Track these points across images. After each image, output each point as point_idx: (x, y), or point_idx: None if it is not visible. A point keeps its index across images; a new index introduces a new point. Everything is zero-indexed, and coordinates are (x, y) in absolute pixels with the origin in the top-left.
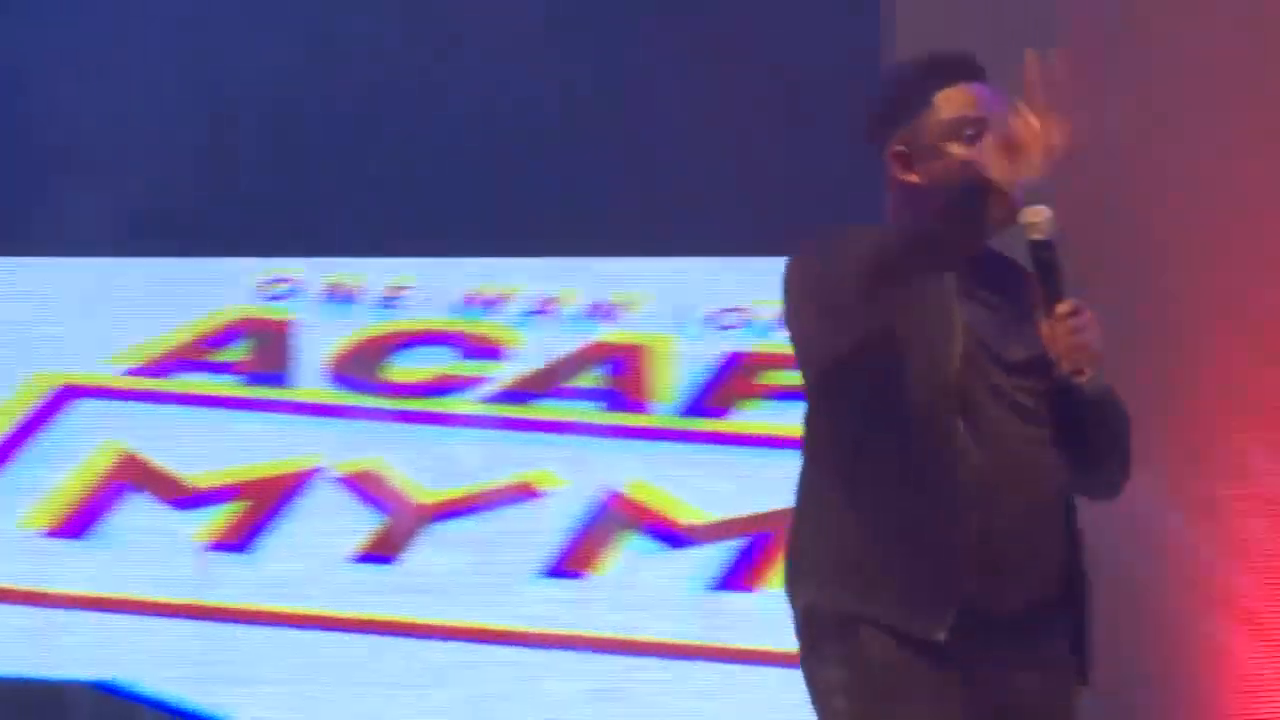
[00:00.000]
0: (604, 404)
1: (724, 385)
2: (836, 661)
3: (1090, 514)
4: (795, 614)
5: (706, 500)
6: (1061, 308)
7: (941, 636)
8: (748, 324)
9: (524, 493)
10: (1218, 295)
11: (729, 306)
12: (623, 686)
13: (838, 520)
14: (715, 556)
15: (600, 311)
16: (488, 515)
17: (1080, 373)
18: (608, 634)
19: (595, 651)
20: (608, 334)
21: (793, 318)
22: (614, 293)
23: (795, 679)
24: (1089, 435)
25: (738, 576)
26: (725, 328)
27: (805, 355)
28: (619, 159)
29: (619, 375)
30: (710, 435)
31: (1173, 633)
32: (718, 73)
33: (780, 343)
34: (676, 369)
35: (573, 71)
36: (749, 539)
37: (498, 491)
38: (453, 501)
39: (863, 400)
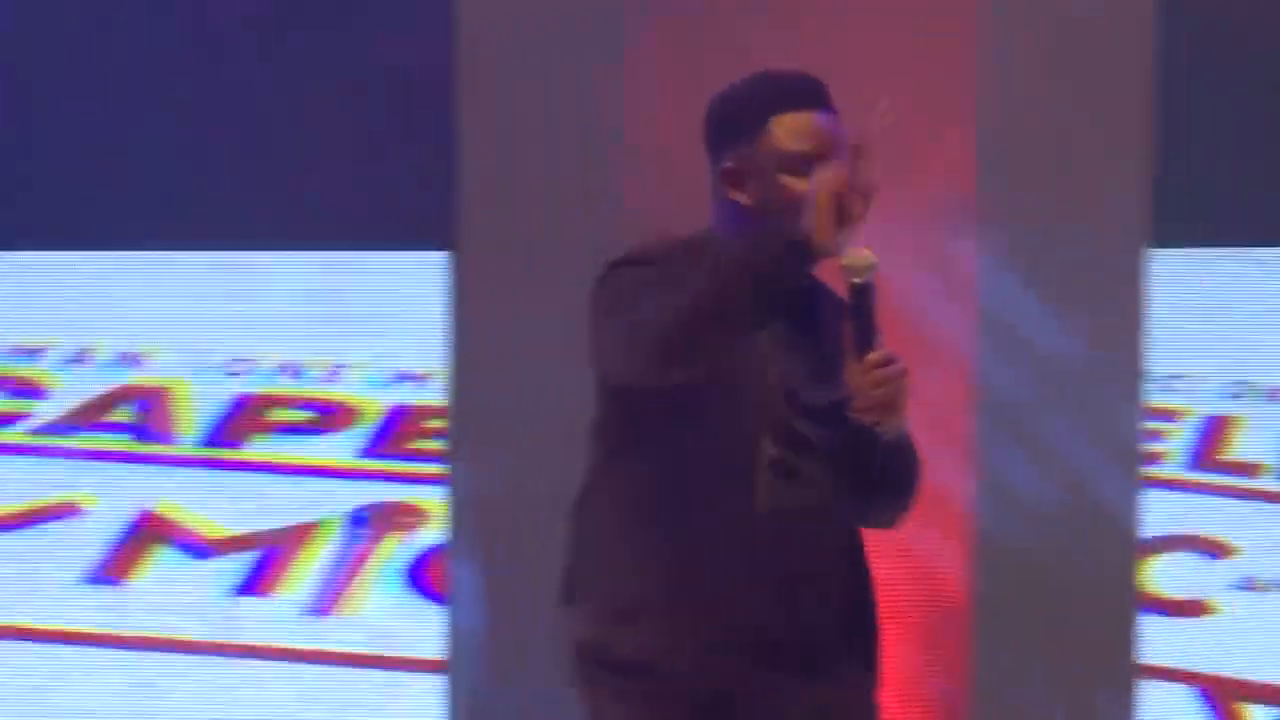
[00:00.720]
0: (132, 436)
1: (236, 421)
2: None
3: None
4: (571, 644)
5: (226, 518)
6: (873, 357)
7: (715, 682)
8: (253, 370)
9: (66, 511)
10: None
11: (238, 356)
12: (156, 681)
13: (617, 552)
14: (234, 567)
15: (128, 359)
16: (33, 531)
17: (876, 422)
18: (142, 634)
19: (132, 649)
20: (135, 377)
21: (594, 336)
22: (140, 344)
23: (300, 671)
24: (877, 474)
25: (254, 584)
26: (235, 374)
27: (603, 372)
28: None
29: (146, 412)
30: (227, 463)
31: None
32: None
33: (282, 385)
34: (195, 407)
35: None
36: (263, 551)
37: (43, 509)
38: (3, 518)
39: (657, 429)
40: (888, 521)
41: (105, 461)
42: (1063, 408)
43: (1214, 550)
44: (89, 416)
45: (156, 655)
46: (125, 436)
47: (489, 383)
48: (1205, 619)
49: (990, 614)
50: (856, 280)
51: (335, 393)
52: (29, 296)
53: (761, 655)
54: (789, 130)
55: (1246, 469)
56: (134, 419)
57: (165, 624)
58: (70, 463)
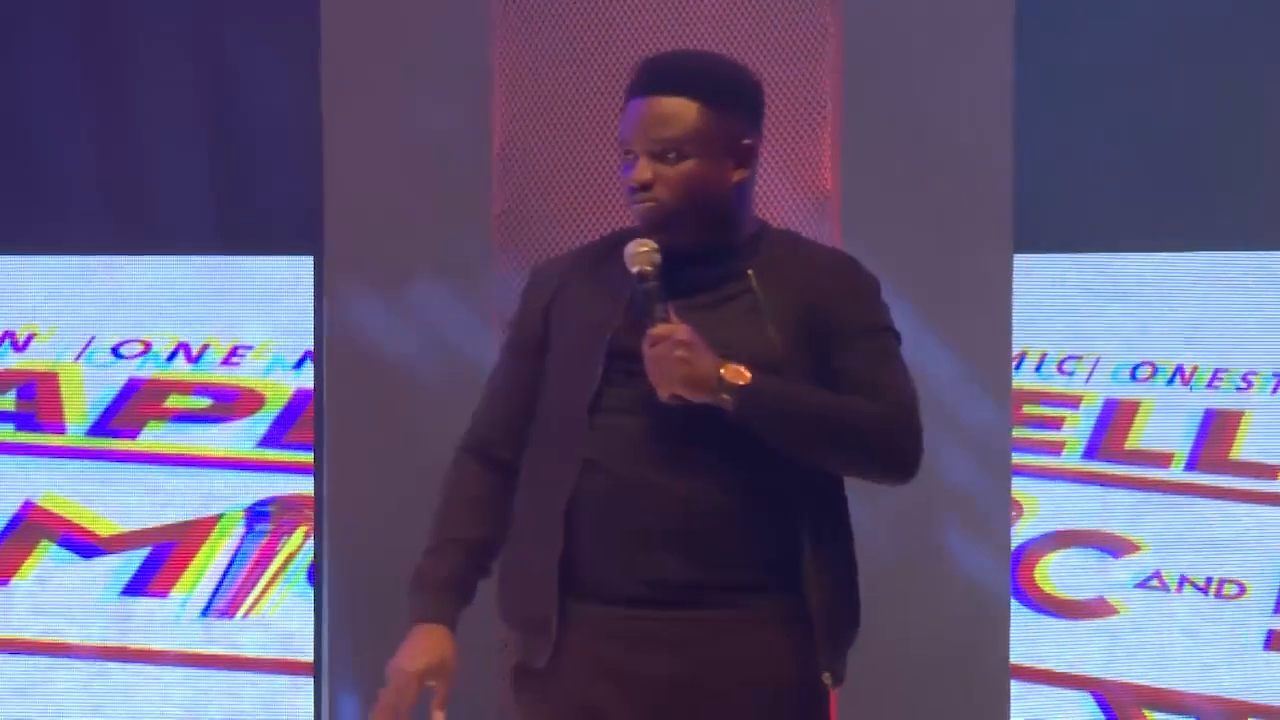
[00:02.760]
0: (14, 425)
1: (130, 408)
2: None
3: None
4: None
5: (116, 513)
6: (652, 332)
7: (542, 662)
8: (147, 353)
9: None
10: None
11: (129, 338)
12: (40, 686)
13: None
14: (125, 564)
15: (10, 341)
16: None
17: (676, 398)
18: (27, 636)
19: (15, 653)
20: (17, 362)
21: None
22: (24, 324)
23: (199, 677)
24: (782, 446)
25: (145, 583)
26: (128, 356)
27: None
28: None
29: (30, 399)
30: (117, 454)
31: None
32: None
33: (180, 370)
34: (85, 393)
35: None
36: (157, 549)
37: None
38: None
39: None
40: (882, 479)
41: None
42: (929, 412)
43: (1115, 547)
44: None
45: (40, 660)
46: (6, 425)
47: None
48: (1105, 620)
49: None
50: (636, 269)
51: (236, 377)
52: None
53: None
54: (624, 115)
55: (1154, 458)
56: (16, 406)
57: (50, 627)
58: None
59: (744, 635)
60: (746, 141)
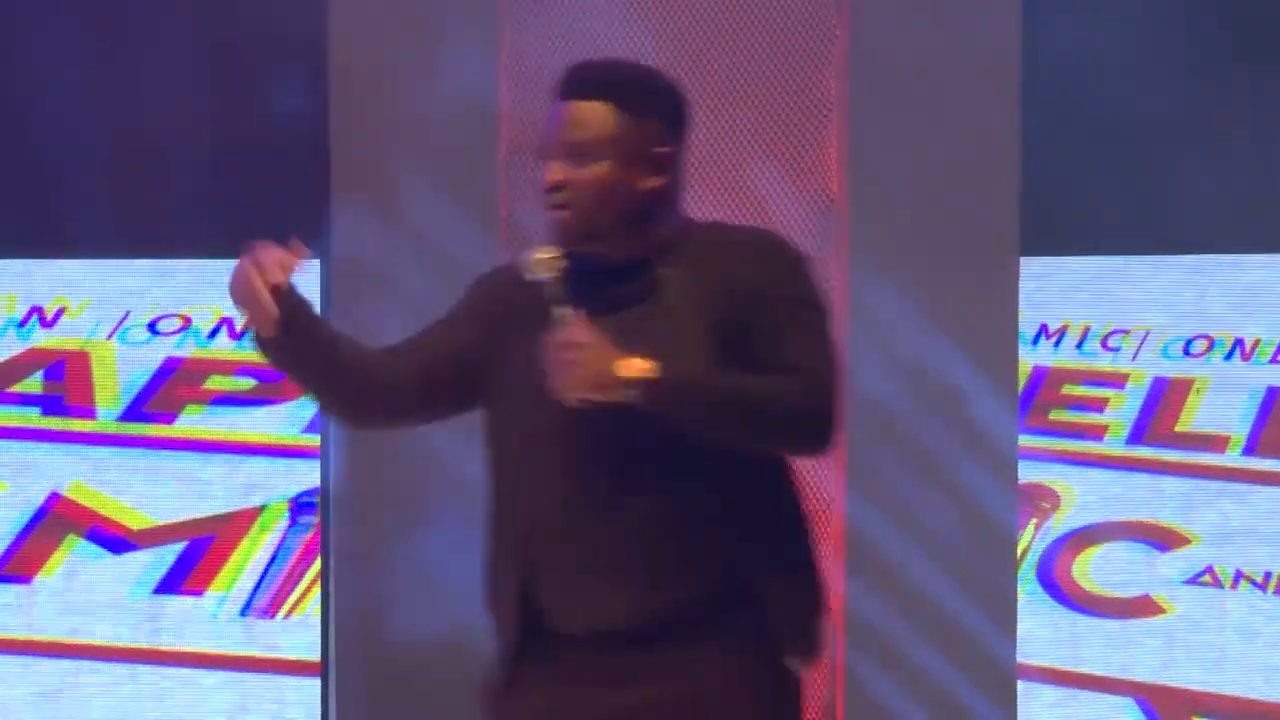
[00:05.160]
0: (40, 409)
1: (167, 390)
2: None
3: None
4: None
5: (149, 504)
6: (549, 338)
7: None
8: (187, 329)
9: None
10: None
11: (169, 312)
12: (67, 690)
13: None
14: (158, 560)
15: (39, 316)
16: None
17: (586, 401)
18: (52, 638)
19: (40, 655)
20: (46, 339)
21: None
22: (54, 297)
23: (236, 680)
24: (707, 432)
25: (179, 580)
26: (165, 333)
27: None
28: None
29: (58, 381)
30: (152, 440)
31: None
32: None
33: (222, 348)
34: (118, 374)
35: None
36: (192, 542)
37: None
38: None
39: (485, 441)
40: (799, 452)
41: (10, 440)
42: (937, 414)
43: (1163, 540)
44: None
45: (68, 662)
46: (32, 410)
47: None
48: (1152, 620)
49: (862, 618)
50: (534, 275)
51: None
52: None
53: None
54: (545, 117)
55: (1208, 442)
56: (44, 388)
57: (77, 627)
58: None
59: (700, 666)
60: (663, 149)
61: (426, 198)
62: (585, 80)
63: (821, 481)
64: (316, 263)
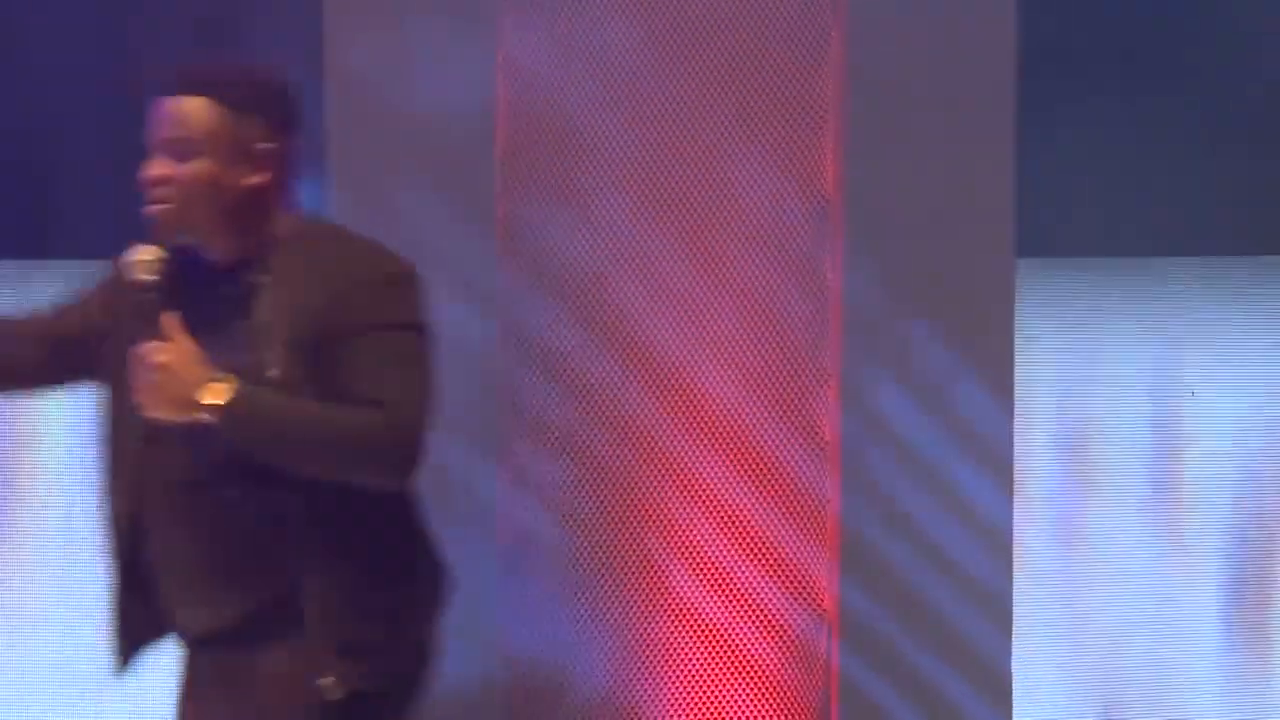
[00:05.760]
0: None
1: None
2: None
3: None
4: None
5: None
6: (136, 350)
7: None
8: None
9: None
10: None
11: None
12: None
13: None
14: None
15: None
16: None
17: (165, 420)
18: None
19: None
20: None
21: None
22: None
23: None
24: (275, 459)
25: None
26: None
27: None
28: None
29: None
30: None
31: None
32: None
33: None
34: None
35: None
36: None
37: None
38: None
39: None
40: (375, 485)
41: None
42: (933, 415)
43: None
44: None
45: None
46: None
47: None
48: None
49: (857, 619)
50: (136, 277)
51: None
52: None
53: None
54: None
55: None
56: None
57: None
58: None
59: (243, 675)
60: (266, 146)
61: (422, 197)
62: (187, 78)
63: (816, 482)
64: None
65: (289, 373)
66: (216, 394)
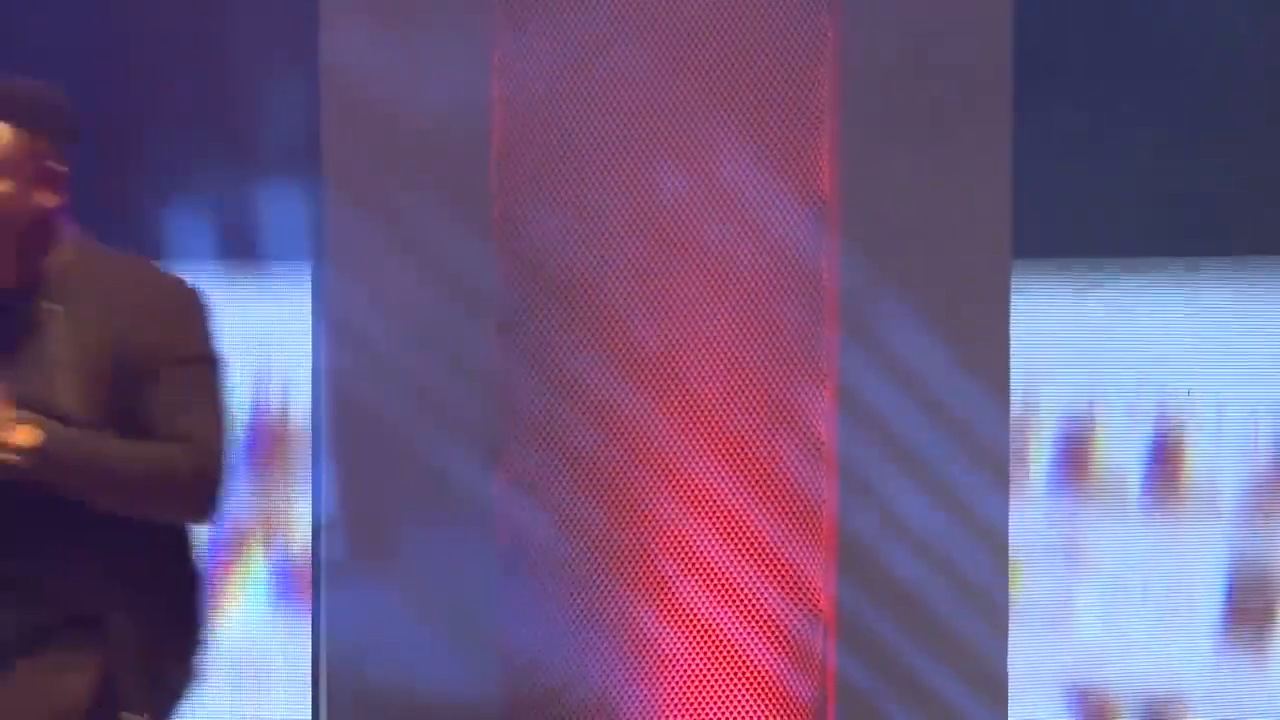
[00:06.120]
0: None
1: None
2: None
3: None
4: None
5: None
6: None
7: None
8: None
9: None
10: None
11: None
12: None
13: None
14: None
15: None
16: None
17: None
18: None
19: None
20: None
21: None
22: None
23: None
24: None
25: None
26: None
27: None
28: None
29: None
30: None
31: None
32: None
33: None
34: None
35: None
36: None
37: None
38: None
39: None
40: (179, 520)
41: None
42: (929, 416)
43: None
44: None
45: None
46: None
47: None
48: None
49: (853, 620)
50: None
51: None
52: None
53: None
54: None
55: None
56: None
57: None
58: None
59: (42, 686)
60: (56, 166)
61: (419, 197)
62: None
63: (813, 483)
64: (309, 264)
65: (83, 405)
66: (26, 436)
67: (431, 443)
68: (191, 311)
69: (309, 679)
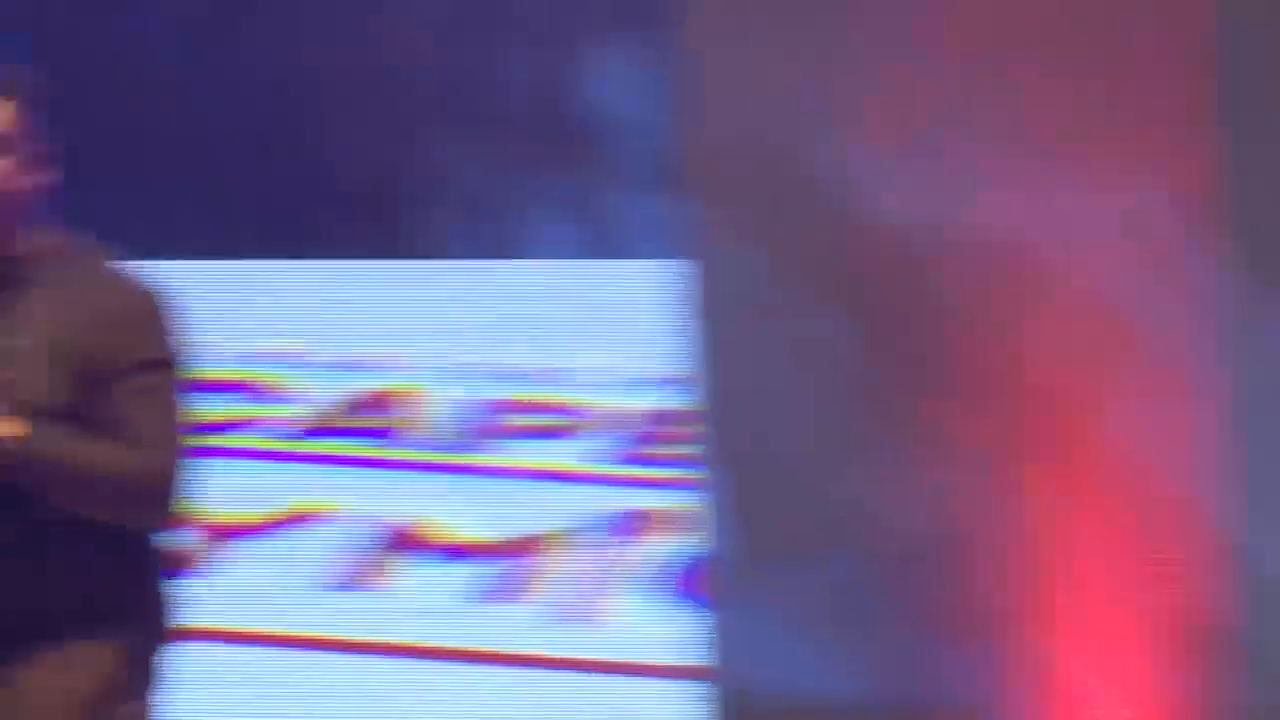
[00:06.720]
0: (374, 441)
1: (477, 426)
2: None
3: None
4: None
5: (471, 523)
6: None
7: None
8: (483, 375)
9: (310, 516)
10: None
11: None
12: (399, 688)
13: None
14: (481, 572)
15: (361, 365)
16: (277, 536)
17: None
18: (388, 640)
19: (377, 655)
20: (375, 382)
21: None
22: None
23: (549, 679)
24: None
25: (502, 590)
26: (468, 379)
27: None
28: None
29: (387, 416)
30: (471, 468)
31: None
32: None
33: (515, 390)
34: (435, 412)
35: None
36: (510, 557)
37: (286, 515)
38: (254, 523)
39: None
40: (133, 525)
41: (348, 466)
42: None
43: None
44: (332, 421)
45: (403, 661)
46: (367, 441)
47: (742, 387)
48: None
49: (1261, 647)
50: None
51: (572, 397)
52: (256, 303)
53: None
54: None
55: None
56: (374, 424)
57: (411, 630)
58: (313, 468)
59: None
60: (43, 145)
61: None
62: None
63: (1205, 499)
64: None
65: (51, 400)
66: (13, 427)
67: (809, 445)
68: (153, 314)
69: (698, 677)
